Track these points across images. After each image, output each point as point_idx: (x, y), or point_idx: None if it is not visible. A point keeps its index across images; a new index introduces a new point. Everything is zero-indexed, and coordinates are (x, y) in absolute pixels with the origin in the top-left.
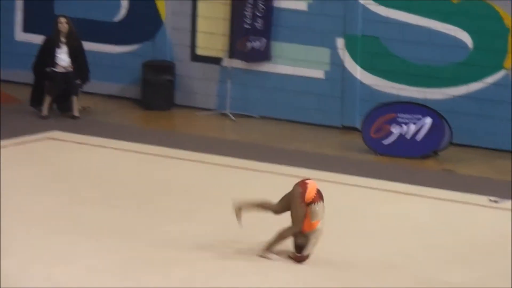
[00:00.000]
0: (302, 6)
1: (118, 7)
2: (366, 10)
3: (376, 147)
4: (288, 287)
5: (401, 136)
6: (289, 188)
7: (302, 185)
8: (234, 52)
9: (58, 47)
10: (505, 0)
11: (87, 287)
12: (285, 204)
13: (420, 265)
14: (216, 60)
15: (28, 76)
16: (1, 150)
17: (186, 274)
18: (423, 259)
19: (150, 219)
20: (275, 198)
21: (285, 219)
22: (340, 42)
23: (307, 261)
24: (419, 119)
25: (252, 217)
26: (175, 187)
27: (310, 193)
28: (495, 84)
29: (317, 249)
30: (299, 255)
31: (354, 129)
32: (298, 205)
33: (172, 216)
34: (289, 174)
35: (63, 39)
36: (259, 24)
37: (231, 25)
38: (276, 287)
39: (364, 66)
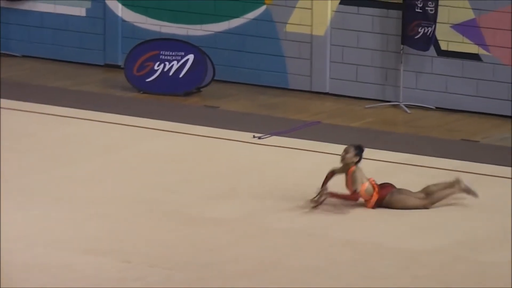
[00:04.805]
0: None
1: None
2: None
3: (139, 84)
4: None
5: (164, 73)
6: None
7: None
8: None
9: None
10: None
11: None
12: None
13: (182, 200)
14: None
15: None
16: None
17: None
18: (185, 194)
19: None
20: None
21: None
22: None
23: None
24: (181, 56)
25: None
26: None
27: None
28: (256, 19)
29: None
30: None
31: (117, 66)
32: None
33: None
34: (50, 113)
35: None
36: None
37: None
38: None
39: (126, 3)
